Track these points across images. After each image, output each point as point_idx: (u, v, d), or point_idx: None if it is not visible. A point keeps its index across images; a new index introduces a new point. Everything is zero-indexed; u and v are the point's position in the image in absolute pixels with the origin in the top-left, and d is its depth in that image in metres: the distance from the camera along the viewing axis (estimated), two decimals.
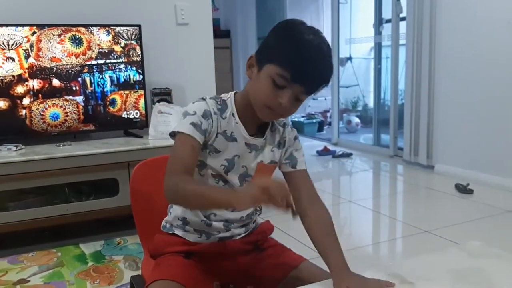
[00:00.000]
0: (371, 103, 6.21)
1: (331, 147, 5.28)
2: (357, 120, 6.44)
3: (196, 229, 1.24)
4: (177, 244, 1.24)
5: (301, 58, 1.06)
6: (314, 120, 6.65)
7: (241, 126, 1.18)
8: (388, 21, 4.95)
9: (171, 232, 1.27)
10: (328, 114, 6.72)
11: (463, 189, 3.49)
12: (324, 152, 5.11)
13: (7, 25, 2.69)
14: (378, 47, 5.39)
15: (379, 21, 5.24)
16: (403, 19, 4.56)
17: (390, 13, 4.79)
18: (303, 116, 6.84)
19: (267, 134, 1.23)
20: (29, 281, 2.23)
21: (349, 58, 6.68)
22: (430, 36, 4.10)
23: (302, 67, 1.06)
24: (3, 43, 2.69)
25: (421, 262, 1.23)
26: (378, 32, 5.27)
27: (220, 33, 6.56)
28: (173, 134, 1.14)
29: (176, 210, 1.27)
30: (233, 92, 1.22)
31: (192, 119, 1.12)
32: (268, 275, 1.24)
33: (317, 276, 1.17)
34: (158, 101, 3.01)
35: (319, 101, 7.08)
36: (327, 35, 5.97)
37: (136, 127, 3.03)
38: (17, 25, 2.71)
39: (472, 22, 3.78)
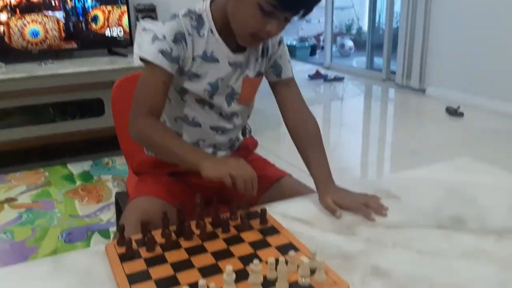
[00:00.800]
0: (365, 27, 6.03)
1: (323, 71, 5.19)
2: (350, 43, 6.28)
3: None
4: (161, 165, 1.18)
5: None
6: (306, 44, 6.49)
7: (222, 44, 1.06)
8: None
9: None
10: (321, 38, 6.55)
11: (454, 112, 3.48)
12: (316, 76, 5.03)
13: None
14: None
15: None
16: None
17: None
18: (295, 39, 6.66)
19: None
20: (17, 199, 2.24)
21: None
22: None
23: None
24: None
25: (408, 177, 1.22)
26: None
27: None
28: (141, 60, 1.04)
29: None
30: (207, 2, 1.07)
31: (161, 45, 1.00)
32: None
33: (299, 190, 1.16)
34: (142, 18, 2.87)
35: (312, 24, 6.86)
36: None
37: (120, 45, 2.92)
38: None
39: None
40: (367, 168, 2.75)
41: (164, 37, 1.01)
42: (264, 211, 0.94)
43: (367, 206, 0.98)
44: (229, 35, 1.06)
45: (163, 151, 1.03)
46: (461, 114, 3.45)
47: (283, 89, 1.18)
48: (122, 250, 0.84)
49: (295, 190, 1.17)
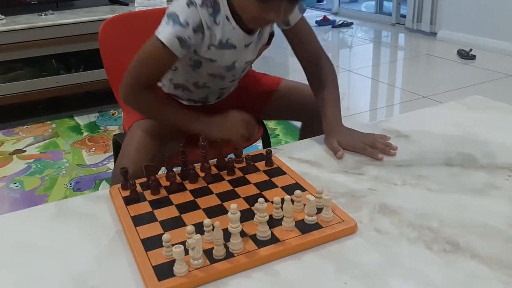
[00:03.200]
0: None
1: (331, 17, 5.04)
2: None
3: (192, 99, 1.23)
4: (171, 99, 1.22)
5: None
6: None
7: (238, 30, 1.02)
8: None
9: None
10: None
11: (465, 55, 3.38)
12: (323, 22, 4.88)
13: None
14: None
15: None
16: None
17: None
18: None
19: None
20: (25, 151, 2.24)
21: None
22: None
23: None
24: None
25: (418, 116, 1.19)
26: None
27: None
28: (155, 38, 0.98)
29: (170, 89, 1.22)
30: None
31: (181, 32, 0.95)
32: (251, 107, 1.19)
33: (296, 89, 1.27)
34: None
35: None
36: None
37: None
38: None
39: None
40: (376, 113, 2.71)
41: (187, 24, 0.95)
42: (269, 153, 0.92)
43: (373, 147, 0.96)
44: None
45: (166, 123, 1.07)
46: (473, 57, 3.35)
47: (294, 35, 1.14)
48: (127, 193, 0.83)
49: (294, 90, 1.28)
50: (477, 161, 0.92)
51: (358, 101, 2.93)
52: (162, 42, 0.96)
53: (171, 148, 1.01)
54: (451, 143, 0.99)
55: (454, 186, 0.84)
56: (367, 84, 3.19)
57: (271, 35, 1.16)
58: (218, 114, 1.04)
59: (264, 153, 0.93)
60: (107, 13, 2.61)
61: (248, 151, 1.00)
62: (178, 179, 0.87)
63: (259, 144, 1.51)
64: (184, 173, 0.89)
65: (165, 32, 0.96)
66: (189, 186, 0.86)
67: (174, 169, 0.88)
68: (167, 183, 0.86)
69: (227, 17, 1.01)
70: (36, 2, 2.68)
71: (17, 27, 2.41)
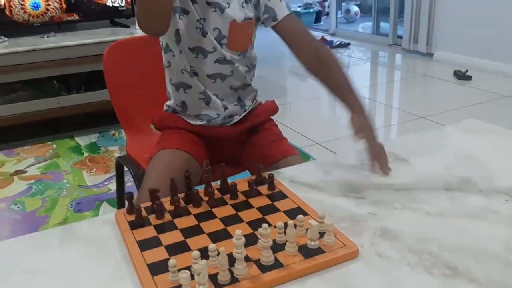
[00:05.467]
0: None
1: (328, 38, 5.11)
2: (356, 9, 6.16)
3: (196, 115, 1.23)
4: (180, 121, 1.24)
5: None
6: (311, 10, 6.36)
7: None
8: None
9: (173, 113, 1.27)
10: (326, 4, 6.42)
11: (462, 76, 3.43)
12: (321, 42, 4.95)
13: None
14: None
15: None
16: None
17: None
18: (299, 6, 6.54)
19: None
20: (26, 171, 2.26)
21: None
22: None
23: None
24: None
25: (416, 140, 1.21)
26: None
27: None
28: None
29: (175, 95, 1.24)
30: None
31: None
32: (253, 163, 1.22)
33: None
34: None
35: None
36: None
37: (122, 16, 2.88)
38: None
39: None
40: (379, 132, 2.74)
41: None
42: (271, 177, 0.94)
43: (377, 157, 1.00)
44: None
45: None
46: (469, 78, 3.40)
47: (286, 30, 1.17)
48: (132, 217, 0.84)
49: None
50: (474, 185, 0.94)
51: None
52: None
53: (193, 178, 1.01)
54: (449, 167, 1.01)
55: (453, 210, 0.85)
56: (365, 104, 3.23)
57: (248, 18, 1.15)
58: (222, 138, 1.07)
59: (267, 177, 0.94)
60: (108, 35, 2.65)
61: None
62: (182, 203, 0.89)
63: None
64: (188, 197, 0.90)
65: None
66: (193, 210, 0.87)
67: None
68: (172, 207, 0.87)
69: None
70: (39, 24, 2.72)
71: (19, 49, 2.44)
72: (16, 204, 1.95)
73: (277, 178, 0.97)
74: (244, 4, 1.15)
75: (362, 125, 1.04)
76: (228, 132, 1.24)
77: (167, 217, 0.85)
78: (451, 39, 3.93)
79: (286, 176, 1.00)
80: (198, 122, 1.23)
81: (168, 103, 1.28)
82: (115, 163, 1.46)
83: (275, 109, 1.33)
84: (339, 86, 1.11)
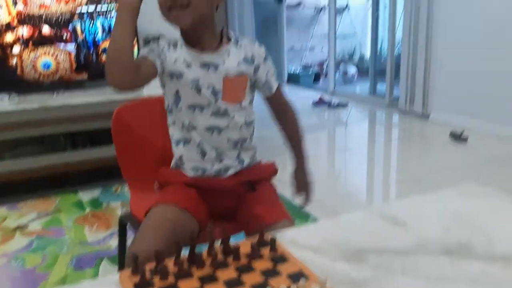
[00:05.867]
0: (368, 53, 6.12)
1: (327, 98, 5.25)
2: (353, 70, 6.37)
3: (193, 167, 1.29)
4: (179, 175, 1.31)
5: None
6: (310, 71, 6.58)
7: (191, 51, 1.23)
8: None
9: (175, 168, 1.34)
10: (324, 65, 6.64)
11: (458, 137, 3.51)
12: (320, 102, 5.09)
13: None
14: None
15: None
16: None
17: None
18: (299, 67, 6.76)
19: (228, 48, 1.25)
20: (27, 226, 2.27)
21: (347, 7, 6.53)
22: None
23: None
24: None
25: (414, 203, 1.24)
26: None
27: None
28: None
29: (176, 150, 1.32)
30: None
31: (147, 47, 1.22)
32: (246, 223, 1.27)
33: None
34: None
35: (315, 52, 6.98)
36: None
37: None
38: None
39: None
40: (372, 193, 2.77)
41: (147, 42, 1.23)
42: (274, 240, 0.97)
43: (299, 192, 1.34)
44: (197, 42, 1.23)
45: (112, 38, 1.13)
46: (465, 139, 3.48)
47: (274, 100, 1.37)
48: (136, 279, 0.86)
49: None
50: (473, 250, 0.96)
51: (355, 181, 3.00)
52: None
53: (187, 233, 1.05)
54: (448, 231, 1.04)
55: (452, 275, 0.88)
56: (363, 164, 3.29)
57: (242, 74, 1.27)
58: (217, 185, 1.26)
59: (269, 240, 0.97)
60: (115, 94, 2.74)
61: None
62: (186, 264, 0.91)
63: None
64: (192, 258, 0.93)
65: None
66: (197, 272, 0.89)
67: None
68: (175, 269, 0.89)
69: (181, 45, 1.24)
70: (49, 83, 2.82)
71: (29, 106, 2.53)
72: (16, 260, 1.95)
73: (279, 239, 1.00)
74: (243, 63, 1.26)
75: (302, 180, 1.39)
76: (223, 183, 1.29)
77: (171, 278, 0.87)
78: (446, 100, 4.05)
79: (287, 237, 1.03)
80: (194, 174, 1.29)
81: (172, 160, 1.35)
82: (118, 222, 1.48)
83: (274, 171, 1.38)
84: (291, 139, 1.41)
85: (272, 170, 1.38)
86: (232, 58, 1.25)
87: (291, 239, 1.03)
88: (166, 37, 1.24)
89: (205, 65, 1.23)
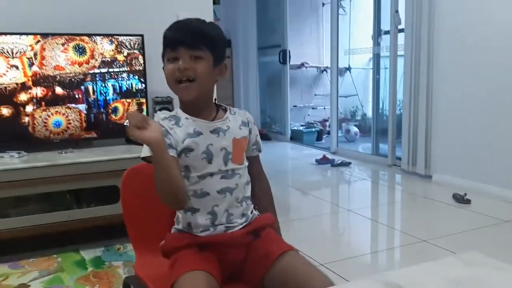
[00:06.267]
0: (369, 113, 6.25)
1: (330, 156, 5.32)
2: (355, 129, 6.48)
3: (203, 230, 1.34)
4: (187, 238, 1.34)
5: (171, 31, 1.32)
6: (313, 129, 6.69)
7: (199, 121, 1.34)
8: (387, 32, 5.00)
9: (183, 231, 1.38)
10: (327, 123, 6.76)
11: (461, 199, 3.52)
12: (323, 161, 5.14)
13: (11, 34, 2.74)
14: (376, 58, 5.44)
15: (378, 33, 5.30)
16: (401, 30, 4.61)
17: (388, 24, 4.85)
18: (302, 125, 6.89)
19: (227, 116, 1.38)
20: (29, 285, 2.25)
21: (348, 68, 6.74)
22: (428, 47, 4.15)
23: (174, 35, 1.30)
24: (7, 51, 2.73)
25: (418, 271, 1.25)
26: (377, 43, 5.32)
27: None
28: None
29: (182, 217, 1.37)
30: (177, 108, 1.39)
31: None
32: (256, 265, 1.31)
33: (298, 267, 1.27)
34: (160, 109, 3.05)
35: (318, 110, 7.14)
36: (327, 45, 6.05)
37: None
38: (21, 34, 2.76)
39: (470, 33, 3.83)
40: (377, 256, 2.76)
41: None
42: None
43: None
44: (199, 113, 1.34)
45: (158, 175, 1.23)
46: (468, 201, 3.49)
47: (256, 162, 1.50)
48: None
49: (296, 267, 1.27)
50: None
51: (359, 242, 2.99)
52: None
53: None
54: None
55: None
56: (366, 225, 3.28)
57: (244, 136, 1.40)
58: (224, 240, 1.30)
59: None
60: (124, 152, 2.81)
61: None
62: None
63: None
64: None
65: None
66: None
67: None
68: None
69: (186, 118, 1.33)
70: (58, 140, 2.89)
71: (38, 164, 2.57)
72: None
73: None
74: (242, 126, 1.41)
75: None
76: (232, 236, 1.34)
77: None
78: (448, 162, 4.09)
79: None
80: (205, 234, 1.33)
81: (175, 226, 1.40)
82: (123, 284, 1.49)
83: (272, 219, 1.47)
84: (267, 202, 1.50)
85: (270, 219, 1.46)
86: (233, 123, 1.38)
87: None
88: (166, 123, 1.32)
89: (215, 131, 1.34)
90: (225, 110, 1.42)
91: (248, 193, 1.41)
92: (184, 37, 1.29)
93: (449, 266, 1.27)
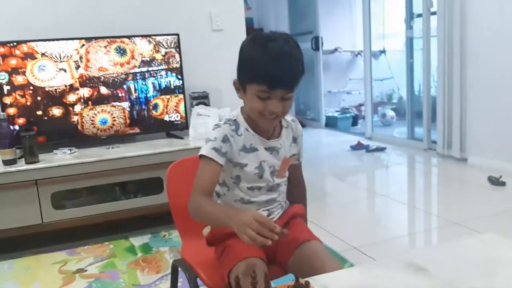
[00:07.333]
0: (405, 96, 6.22)
1: (365, 142, 5.36)
2: (392, 113, 6.44)
3: None
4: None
5: (269, 68, 1.23)
6: (348, 115, 6.70)
7: (257, 136, 1.38)
8: (419, 15, 4.97)
9: None
10: (363, 108, 6.76)
11: (496, 181, 3.53)
12: (358, 146, 5.20)
13: (58, 39, 2.95)
14: (409, 42, 5.41)
15: (410, 16, 5.27)
16: (433, 13, 4.58)
17: (421, 7, 4.82)
18: (337, 111, 6.91)
19: (282, 133, 1.44)
20: (86, 270, 2.49)
21: (383, 51, 6.70)
22: (461, 29, 4.12)
23: (274, 76, 1.23)
24: (56, 56, 2.96)
25: (439, 251, 1.36)
26: (409, 27, 5.29)
27: (254, 32, 6.72)
28: (199, 157, 1.35)
29: None
30: (239, 109, 1.40)
31: (214, 144, 1.32)
32: (283, 250, 1.42)
33: (320, 258, 1.35)
34: (197, 104, 3.22)
35: (353, 95, 7.11)
36: (360, 29, 6.05)
37: (177, 129, 3.25)
38: (67, 39, 2.97)
39: (502, 14, 3.79)
40: (414, 238, 2.84)
41: (215, 138, 1.33)
42: (307, 283, 1.11)
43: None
44: (260, 129, 1.37)
45: (209, 218, 1.30)
46: (503, 183, 3.49)
47: (296, 170, 1.56)
48: None
49: (316, 257, 1.35)
50: None
51: (395, 226, 3.07)
52: (204, 156, 1.30)
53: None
54: (464, 277, 1.16)
55: None
56: (403, 209, 3.35)
57: (293, 155, 1.47)
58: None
59: (303, 283, 1.12)
60: (165, 146, 2.99)
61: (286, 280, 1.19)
62: None
63: None
64: None
65: (203, 149, 1.32)
66: None
67: None
68: None
69: (246, 129, 1.36)
70: (105, 137, 3.11)
71: (88, 159, 2.79)
72: None
73: (312, 284, 1.14)
74: (292, 144, 1.47)
75: None
76: None
77: None
78: (483, 145, 4.08)
79: (320, 283, 1.17)
80: None
81: None
82: (171, 266, 1.65)
83: (303, 209, 1.57)
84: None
85: (302, 209, 1.57)
86: (285, 141, 1.44)
87: (323, 284, 1.16)
88: (227, 128, 1.34)
89: (269, 149, 1.40)
90: (280, 123, 1.43)
91: (284, 195, 1.51)
92: (285, 79, 1.25)
93: (469, 247, 1.37)
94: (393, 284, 1.14)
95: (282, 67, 1.23)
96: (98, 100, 3.07)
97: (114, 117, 3.11)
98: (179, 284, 1.95)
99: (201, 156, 1.32)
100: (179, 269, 1.61)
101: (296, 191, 1.58)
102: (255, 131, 1.37)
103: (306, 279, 1.15)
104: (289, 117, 1.48)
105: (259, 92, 1.26)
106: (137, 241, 2.85)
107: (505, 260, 1.25)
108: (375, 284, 1.15)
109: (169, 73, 3.18)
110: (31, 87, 2.92)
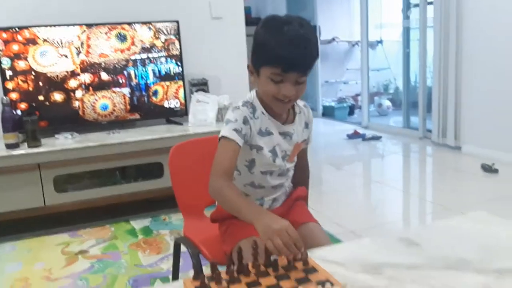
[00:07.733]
0: (402, 86, 6.28)
1: (361, 131, 5.42)
2: (388, 103, 6.51)
3: None
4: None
5: (284, 51, 1.22)
6: (345, 104, 6.76)
7: (273, 120, 1.39)
8: (416, 5, 5.01)
9: None
10: (359, 98, 6.82)
11: (489, 169, 3.61)
12: (354, 135, 5.27)
13: (60, 25, 2.99)
14: (406, 32, 5.46)
15: (407, 6, 5.31)
16: (430, 3, 4.63)
17: None
18: (334, 100, 6.96)
19: (296, 118, 1.46)
20: (88, 251, 2.55)
21: (380, 41, 6.74)
22: (457, 19, 4.17)
23: (288, 59, 1.23)
24: (57, 42, 2.99)
25: (430, 228, 1.43)
26: (406, 17, 5.34)
27: (251, 20, 6.73)
28: (219, 139, 1.35)
29: None
30: (253, 92, 1.40)
31: (235, 125, 1.31)
32: None
33: (317, 237, 1.41)
34: (196, 91, 3.27)
35: (350, 85, 7.17)
36: (358, 19, 6.08)
37: (177, 115, 3.30)
38: (69, 25, 3.00)
39: (498, 4, 3.84)
40: (405, 223, 2.91)
41: (236, 120, 1.33)
42: (306, 254, 1.18)
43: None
44: (278, 116, 1.39)
45: (230, 207, 1.29)
46: (496, 171, 3.57)
47: (304, 153, 1.57)
48: (197, 283, 1.09)
49: (313, 238, 1.41)
50: (472, 264, 1.14)
51: (388, 211, 3.15)
52: (225, 137, 1.29)
53: None
54: (452, 250, 1.23)
55: (453, 285, 1.06)
56: (398, 196, 3.43)
57: (304, 140, 1.49)
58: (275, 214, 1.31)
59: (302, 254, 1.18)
60: (165, 131, 3.05)
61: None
62: (235, 273, 1.13)
63: None
64: (239, 268, 1.15)
65: (224, 130, 1.31)
66: (244, 279, 1.11)
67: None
68: (227, 276, 1.12)
69: (262, 112, 1.37)
70: (105, 122, 3.16)
71: (89, 144, 2.84)
72: (81, 280, 2.21)
73: (310, 256, 1.21)
74: (304, 129, 1.50)
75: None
76: (276, 210, 1.48)
77: (224, 283, 1.09)
78: (477, 133, 4.15)
79: (317, 255, 1.23)
80: None
81: None
82: (174, 243, 1.72)
83: (305, 191, 1.62)
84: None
85: (304, 191, 1.62)
86: (298, 127, 1.45)
87: (320, 256, 1.23)
88: (245, 110, 1.34)
89: (283, 134, 1.41)
90: (293, 109, 1.44)
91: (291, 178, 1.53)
92: (299, 63, 1.25)
93: (458, 223, 1.44)
94: (386, 256, 1.20)
95: (297, 50, 1.23)
96: (99, 86, 3.11)
97: (114, 103, 3.16)
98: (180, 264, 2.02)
99: (222, 137, 1.32)
100: (181, 250, 1.66)
101: (301, 174, 1.59)
102: (271, 115, 1.38)
103: (306, 251, 1.21)
104: (300, 102, 1.48)
105: (273, 75, 1.26)
106: (137, 224, 2.91)
107: (495, 235, 1.32)
108: (368, 255, 1.22)
109: (168, 59, 3.22)
110: (33, 73, 2.96)
